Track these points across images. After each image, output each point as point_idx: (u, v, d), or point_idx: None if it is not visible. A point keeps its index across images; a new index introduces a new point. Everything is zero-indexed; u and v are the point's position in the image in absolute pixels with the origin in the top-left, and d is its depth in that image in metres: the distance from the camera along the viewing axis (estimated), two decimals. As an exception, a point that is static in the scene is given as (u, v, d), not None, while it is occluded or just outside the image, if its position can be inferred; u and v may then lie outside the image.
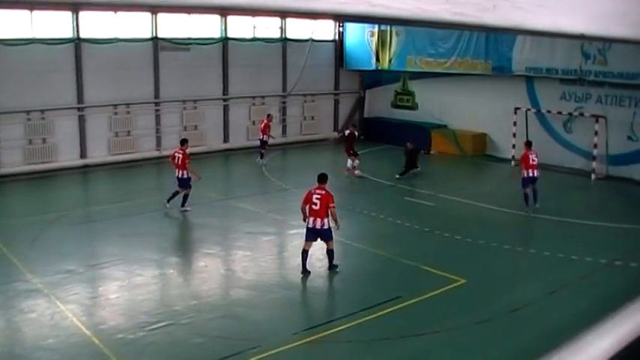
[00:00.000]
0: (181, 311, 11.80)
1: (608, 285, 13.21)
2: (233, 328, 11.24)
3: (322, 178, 13.79)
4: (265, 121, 26.01)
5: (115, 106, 25.37)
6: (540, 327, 11.23)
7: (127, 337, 10.73)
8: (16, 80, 22.56)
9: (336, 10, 1.57)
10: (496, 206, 19.74)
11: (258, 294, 12.74)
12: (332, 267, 13.83)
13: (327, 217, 13.37)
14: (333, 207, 13.41)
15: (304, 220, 13.60)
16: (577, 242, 16.39)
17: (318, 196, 13.36)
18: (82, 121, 24.65)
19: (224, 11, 1.71)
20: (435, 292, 12.77)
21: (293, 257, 15.38)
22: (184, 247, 15.55)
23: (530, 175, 18.65)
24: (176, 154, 18.58)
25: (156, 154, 26.48)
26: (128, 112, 25.76)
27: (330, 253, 13.75)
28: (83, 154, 24.85)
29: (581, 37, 2.88)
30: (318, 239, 13.58)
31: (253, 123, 29.41)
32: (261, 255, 15.28)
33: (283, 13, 1.62)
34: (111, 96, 25.07)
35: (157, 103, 26.55)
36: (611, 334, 4.50)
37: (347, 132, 24.65)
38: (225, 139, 28.78)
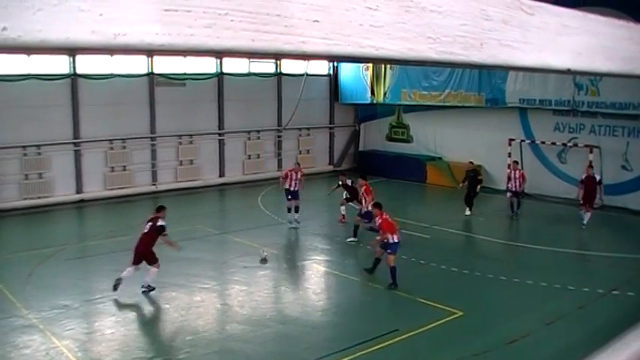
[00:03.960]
0: (177, 346, 11.73)
1: (606, 315, 13.19)
2: (229, 363, 11.17)
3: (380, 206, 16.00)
4: (517, 172, 22.61)
5: (111, 140, 25.47)
6: (537, 358, 11.20)
7: (122, 373, 10.66)
8: (12, 115, 22.70)
9: (327, 52, 1.64)
10: (492, 237, 19.77)
11: (254, 328, 12.68)
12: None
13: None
14: None
15: (379, 246, 15.59)
16: (574, 272, 16.41)
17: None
18: (77, 156, 24.72)
19: (219, 55, 1.78)
20: (432, 325, 12.72)
21: (289, 291, 15.34)
22: (180, 281, 15.48)
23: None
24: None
25: (152, 188, 26.52)
26: (124, 147, 25.84)
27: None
28: (79, 189, 24.87)
29: (568, 72, 2.95)
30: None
31: (249, 157, 29.54)
32: (257, 289, 15.23)
33: (277, 56, 1.70)
34: (107, 131, 25.19)
35: (152, 138, 26.66)
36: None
37: (339, 183, 22.35)
38: (221, 174, 28.84)
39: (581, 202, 20.75)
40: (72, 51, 1.43)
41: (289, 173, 21.48)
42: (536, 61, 2.59)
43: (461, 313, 13.28)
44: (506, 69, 2.99)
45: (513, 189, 22.31)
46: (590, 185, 20.55)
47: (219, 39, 1.48)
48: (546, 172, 25.69)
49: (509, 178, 22.64)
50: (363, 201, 18.85)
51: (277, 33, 1.57)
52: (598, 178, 20.78)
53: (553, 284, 15.05)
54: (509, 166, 23.22)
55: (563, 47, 2.65)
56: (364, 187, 19.10)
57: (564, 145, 24.94)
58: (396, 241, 15.10)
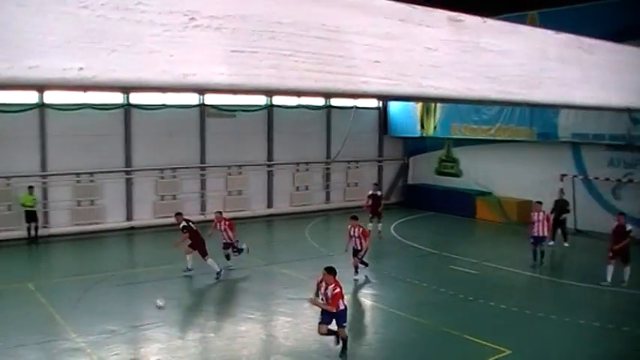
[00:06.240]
0: (222, 376, 11.74)
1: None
2: (274, 395, 11.13)
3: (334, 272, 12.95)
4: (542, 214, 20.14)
5: (162, 170, 25.90)
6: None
7: (168, 401, 10.70)
8: (67, 143, 23.34)
9: (387, 92, 1.66)
10: (542, 275, 19.40)
11: (300, 360, 12.62)
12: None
13: None
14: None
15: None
16: (630, 313, 15.91)
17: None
18: (129, 184, 25.21)
19: (283, 94, 1.82)
20: (480, 363, 12.50)
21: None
22: (226, 311, 15.56)
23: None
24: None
25: (200, 218, 26.78)
26: (174, 176, 26.25)
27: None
28: (129, 217, 25.30)
29: (627, 110, 2.92)
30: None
31: (297, 189, 29.67)
32: (302, 321, 15.17)
33: (339, 96, 1.73)
34: (158, 160, 25.65)
35: (202, 168, 27.02)
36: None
37: (370, 192, 24.79)
38: (269, 205, 29.01)
39: (610, 254, 17.65)
40: (142, 89, 1.47)
41: (216, 224, 19.57)
42: (595, 100, 2.56)
43: (509, 352, 13.00)
44: (562, 107, 2.97)
45: (537, 234, 19.83)
46: (618, 235, 17.59)
47: (283, 79, 1.50)
48: (599, 209, 25.11)
49: (532, 223, 20.03)
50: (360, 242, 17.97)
51: (340, 73, 1.59)
52: (629, 228, 17.61)
53: (607, 324, 14.64)
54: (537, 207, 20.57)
55: (623, 85, 2.62)
56: (360, 230, 18.11)
57: (619, 180, 24.42)
58: (342, 308, 12.76)
